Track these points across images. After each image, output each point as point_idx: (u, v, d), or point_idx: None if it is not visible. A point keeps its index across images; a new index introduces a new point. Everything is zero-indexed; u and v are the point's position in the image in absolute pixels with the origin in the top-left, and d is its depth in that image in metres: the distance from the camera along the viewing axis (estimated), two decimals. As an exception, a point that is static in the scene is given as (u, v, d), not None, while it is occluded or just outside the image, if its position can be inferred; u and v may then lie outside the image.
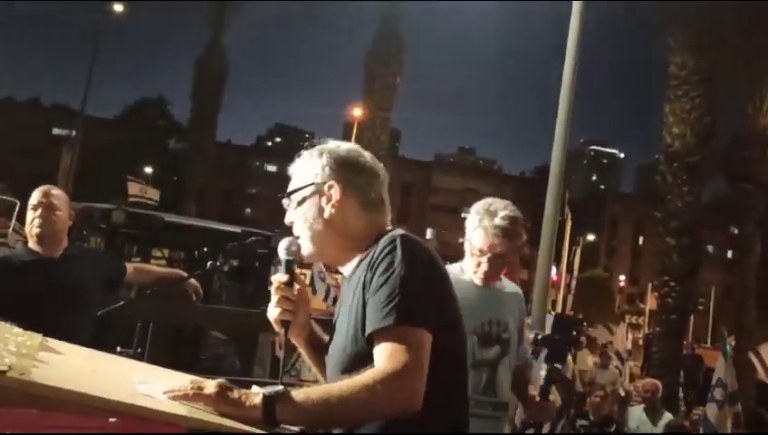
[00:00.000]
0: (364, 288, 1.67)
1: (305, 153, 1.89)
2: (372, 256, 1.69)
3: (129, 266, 3.87)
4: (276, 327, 1.83)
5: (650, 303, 27.14)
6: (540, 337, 3.28)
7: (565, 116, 8.87)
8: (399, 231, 1.75)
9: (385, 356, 1.55)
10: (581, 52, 8.99)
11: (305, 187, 1.83)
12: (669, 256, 15.22)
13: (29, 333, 1.64)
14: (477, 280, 3.00)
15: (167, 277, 3.93)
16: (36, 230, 3.36)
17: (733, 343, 12.15)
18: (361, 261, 1.76)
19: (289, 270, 1.83)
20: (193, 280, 3.88)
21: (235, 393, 1.50)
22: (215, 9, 34.05)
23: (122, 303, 3.34)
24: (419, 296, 1.62)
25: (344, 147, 1.88)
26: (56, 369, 1.45)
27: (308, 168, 1.85)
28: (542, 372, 3.23)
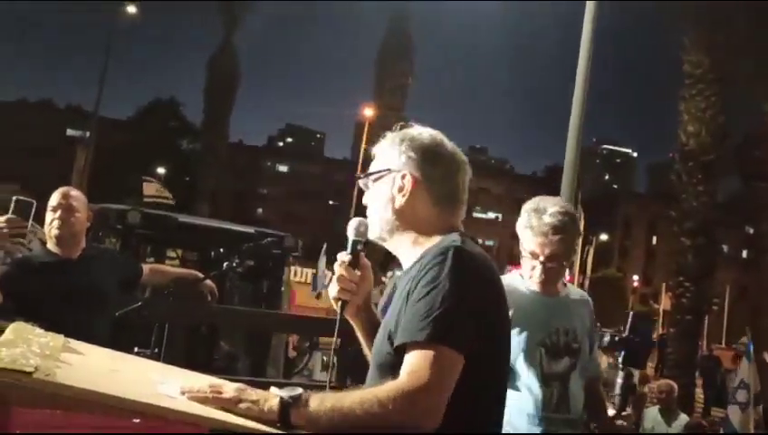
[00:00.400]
0: (408, 295, 1.62)
1: (389, 135, 1.84)
2: (422, 263, 1.64)
3: (145, 267, 3.90)
4: (334, 304, 1.82)
5: (664, 303, 26.96)
6: (617, 338, 3.09)
7: (578, 115, 8.84)
8: (456, 240, 1.65)
9: (408, 371, 1.51)
10: (594, 51, 8.96)
11: (381, 171, 1.81)
12: (684, 256, 15.13)
13: (51, 334, 1.65)
14: (536, 287, 2.75)
15: (182, 278, 3.95)
16: (55, 232, 3.38)
17: (744, 339, 12.05)
18: (417, 262, 1.70)
19: (354, 250, 1.82)
20: (208, 281, 3.90)
21: (253, 396, 1.50)
22: (226, 10, 34.17)
23: (140, 303, 3.36)
24: (459, 316, 1.54)
25: (426, 135, 1.81)
26: (79, 370, 1.47)
27: (387, 152, 1.81)
28: (618, 379, 3.03)
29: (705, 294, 15.50)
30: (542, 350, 2.68)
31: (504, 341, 1.73)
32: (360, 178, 1.86)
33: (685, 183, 15.30)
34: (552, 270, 2.72)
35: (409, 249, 1.77)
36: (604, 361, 14.00)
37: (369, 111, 30.30)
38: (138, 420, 1.27)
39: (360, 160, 29.14)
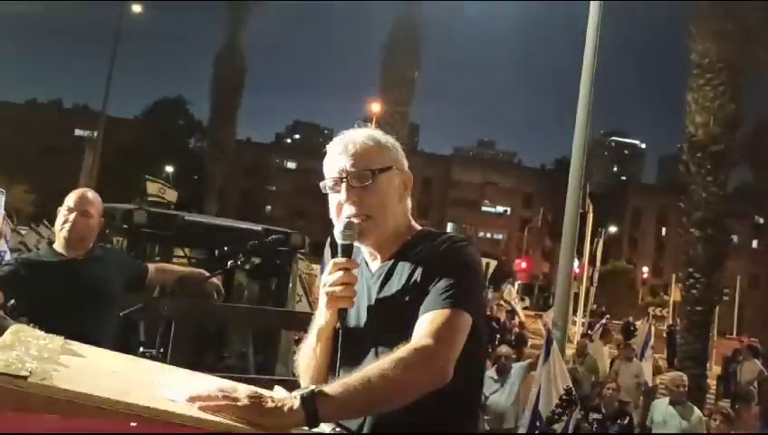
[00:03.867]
0: (423, 278, 1.75)
1: (375, 134, 1.89)
2: (435, 249, 1.79)
3: (152, 266, 3.87)
4: (330, 315, 1.79)
5: (675, 294, 26.88)
6: None
7: (585, 107, 8.82)
8: (460, 235, 1.91)
9: (423, 331, 1.64)
10: (600, 43, 8.95)
11: (392, 169, 1.87)
12: (694, 247, 15.06)
13: (51, 336, 1.63)
14: None
15: (188, 277, 3.93)
16: (65, 234, 3.37)
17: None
18: (405, 253, 1.83)
19: (349, 254, 1.79)
20: (214, 279, 3.88)
21: (270, 402, 1.44)
22: (233, 9, 34.19)
23: (142, 304, 3.35)
24: (472, 289, 1.76)
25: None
26: (78, 372, 1.45)
27: (388, 152, 1.89)
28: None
29: (716, 285, 15.41)
30: None
31: (484, 316, 1.98)
32: (371, 173, 1.81)
33: (693, 174, 15.22)
34: None
35: (389, 244, 1.87)
36: (606, 351, 13.97)
37: (376, 107, 30.29)
38: (135, 424, 1.24)
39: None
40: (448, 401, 1.68)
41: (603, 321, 19.31)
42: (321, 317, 1.82)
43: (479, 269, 1.85)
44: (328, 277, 1.77)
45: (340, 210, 1.83)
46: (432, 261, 1.76)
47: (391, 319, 1.75)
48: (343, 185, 1.82)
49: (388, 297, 1.79)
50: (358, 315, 1.84)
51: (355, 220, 1.80)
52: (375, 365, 1.55)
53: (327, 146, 1.91)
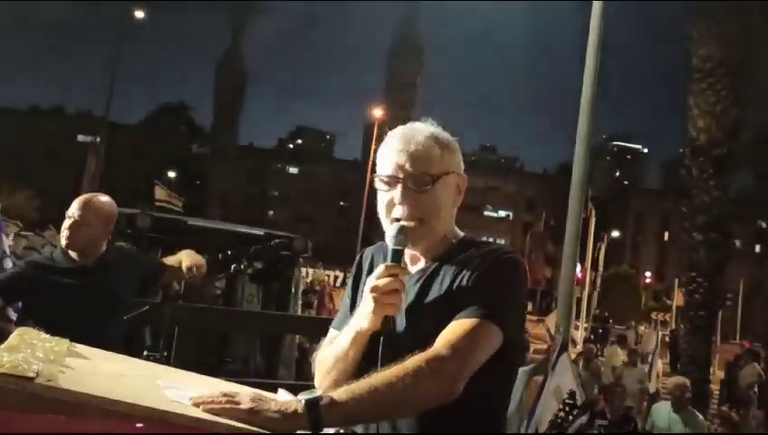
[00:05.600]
0: (465, 287, 1.68)
1: (439, 135, 1.80)
2: (480, 260, 1.72)
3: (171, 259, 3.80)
4: (374, 321, 1.65)
5: (677, 299, 26.83)
6: None
7: (587, 112, 8.82)
8: (509, 247, 1.88)
9: (443, 339, 1.58)
10: (603, 47, 8.96)
11: (452, 173, 1.79)
12: (696, 252, 15.03)
13: (56, 338, 1.65)
14: None
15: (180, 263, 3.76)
16: (64, 241, 3.38)
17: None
18: (450, 258, 1.76)
19: (399, 259, 1.70)
20: (198, 257, 3.74)
21: (273, 405, 1.44)
22: (234, 13, 34.24)
23: (147, 307, 3.36)
24: (509, 303, 1.69)
25: (448, 134, 1.86)
26: (82, 374, 1.46)
27: (450, 155, 1.80)
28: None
29: (719, 290, 15.38)
30: None
31: (524, 340, 1.85)
32: (431, 178, 1.73)
33: (696, 178, 15.20)
34: None
35: (436, 247, 1.80)
36: (620, 356, 13.97)
37: (378, 112, 30.31)
38: (141, 425, 1.25)
39: (371, 161, 29.11)
40: (463, 420, 1.61)
41: (619, 327, 19.30)
42: (364, 321, 1.67)
43: (522, 285, 1.75)
44: (377, 282, 1.65)
45: (391, 209, 1.75)
46: (475, 270, 1.69)
47: (425, 325, 1.66)
48: (399, 185, 1.73)
49: (426, 303, 1.71)
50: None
51: (407, 223, 1.72)
52: (384, 373, 1.50)
53: (388, 135, 1.81)
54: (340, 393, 1.47)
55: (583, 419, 6.69)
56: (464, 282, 1.68)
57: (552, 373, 6.59)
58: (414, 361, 1.51)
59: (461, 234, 1.85)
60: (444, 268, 1.74)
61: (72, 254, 3.40)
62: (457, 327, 1.59)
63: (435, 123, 1.83)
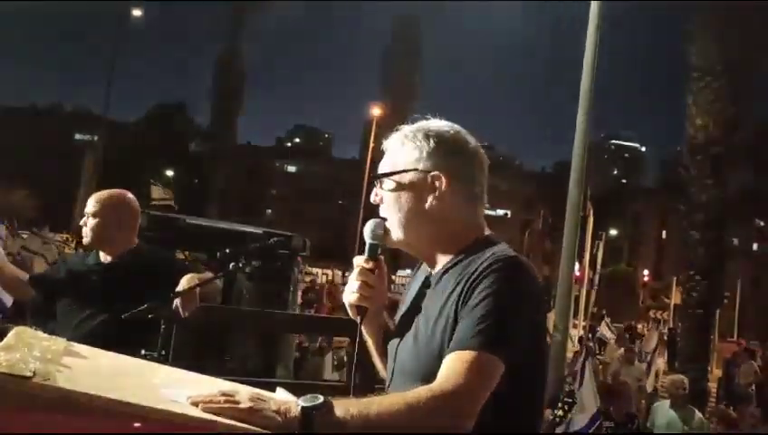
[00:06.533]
0: (458, 302, 1.58)
1: (405, 129, 1.75)
2: (475, 268, 1.59)
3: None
4: (352, 313, 1.74)
5: (675, 297, 26.85)
6: None
7: (585, 110, 8.83)
8: (510, 251, 1.64)
9: (445, 375, 1.50)
10: (600, 45, 8.97)
11: (406, 171, 1.69)
12: (694, 250, 15.05)
13: (54, 337, 1.65)
14: None
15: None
16: (85, 240, 3.41)
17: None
18: (456, 263, 1.67)
19: (373, 254, 1.72)
20: (217, 281, 3.80)
21: (272, 406, 1.44)
22: (233, 12, 34.21)
23: (146, 305, 3.34)
24: (512, 327, 1.54)
25: (450, 129, 1.73)
26: (80, 373, 1.45)
27: (409, 149, 1.71)
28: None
29: (716, 288, 15.42)
30: None
31: (546, 353, 1.76)
32: (379, 177, 1.73)
33: (694, 176, 15.22)
34: None
35: (437, 252, 1.73)
36: (618, 354, 13.97)
37: (376, 110, 30.30)
38: (138, 425, 1.25)
39: (369, 160, 29.13)
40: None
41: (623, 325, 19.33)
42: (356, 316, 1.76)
43: (527, 296, 1.59)
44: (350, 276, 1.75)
45: None
46: (471, 282, 1.57)
47: (425, 334, 1.65)
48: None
49: (429, 313, 1.67)
50: (408, 319, 1.75)
51: (380, 220, 1.74)
52: (389, 400, 1.47)
53: None
54: (339, 408, 1.44)
55: (583, 419, 6.68)
56: (460, 297, 1.58)
57: (579, 382, 6.59)
58: (420, 395, 1.46)
59: (478, 235, 1.72)
60: (448, 275, 1.68)
61: (101, 253, 3.40)
62: (456, 361, 1.50)
63: (442, 119, 1.77)
